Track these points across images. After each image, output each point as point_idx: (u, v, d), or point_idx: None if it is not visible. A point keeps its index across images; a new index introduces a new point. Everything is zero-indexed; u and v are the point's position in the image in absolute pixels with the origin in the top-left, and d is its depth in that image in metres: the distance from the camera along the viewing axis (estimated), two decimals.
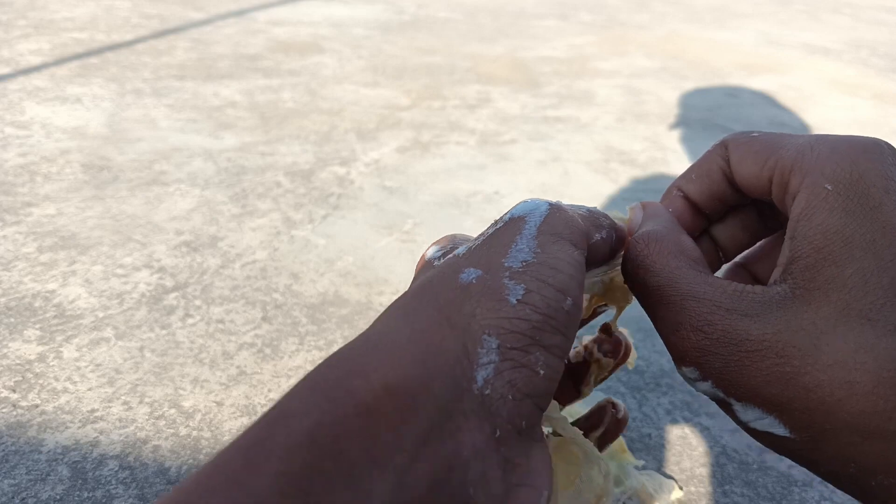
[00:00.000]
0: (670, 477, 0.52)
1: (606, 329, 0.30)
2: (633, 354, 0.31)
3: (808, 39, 2.07)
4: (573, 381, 0.30)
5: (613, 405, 0.31)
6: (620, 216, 0.26)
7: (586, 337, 0.30)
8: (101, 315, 0.66)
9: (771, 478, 0.52)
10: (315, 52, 1.59)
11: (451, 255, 0.22)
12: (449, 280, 0.20)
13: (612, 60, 1.71)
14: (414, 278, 0.23)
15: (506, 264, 0.20)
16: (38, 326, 0.64)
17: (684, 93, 1.49)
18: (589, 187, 1.01)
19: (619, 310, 0.27)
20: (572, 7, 2.34)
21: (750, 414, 0.20)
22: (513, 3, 2.37)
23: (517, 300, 0.19)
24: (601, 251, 0.24)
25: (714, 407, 0.58)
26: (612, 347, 0.30)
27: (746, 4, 2.62)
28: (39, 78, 1.28)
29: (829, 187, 0.20)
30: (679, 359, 0.22)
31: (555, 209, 0.22)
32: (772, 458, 0.54)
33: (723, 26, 2.21)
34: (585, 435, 0.28)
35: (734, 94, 1.50)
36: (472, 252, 0.21)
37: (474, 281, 0.19)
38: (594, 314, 0.29)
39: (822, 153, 0.21)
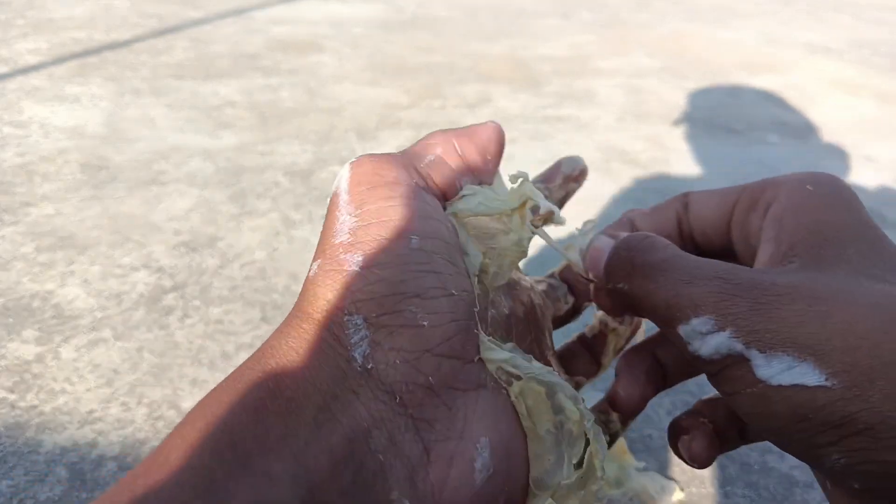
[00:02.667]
0: (671, 478, 0.52)
1: (556, 275, 0.30)
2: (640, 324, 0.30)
3: (810, 39, 2.07)
4: (592, 354, 0.30)
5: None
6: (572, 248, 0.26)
7: (596, 315, 0.30)
8: (99, 315, 0.66)
9: (773, 479, 0.52)
10: (314, 51, 1.59)
11: None
12: (305, 280, 0.20)
13: (612, 60, 1.71)
14: None
15: (336, 241, 0.20)
16: (36, 327, 0.63)
17: (685, 92, 1.48)
18: (590, 187, 1.01)
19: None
20: (573, 6, 2.34)
21: (776, 365, 0.18)
22: (513, 2, 2.37)
23: (359, 268, 0.19)
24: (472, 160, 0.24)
25: None
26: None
27: (748, 4, 2.62)
28: (38, 77, 1.28)
29: (810, 188, 0.22)
30: (690, 309, 0.19)
31: (356, 164, 0.21)
32: (773, 459, 0.54)
33: (724, 25, 2.20)
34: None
35: (735, 94, 1.50)
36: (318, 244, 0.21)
37: (316, 271, 0.20)
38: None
39: (792, 175, 0.23)
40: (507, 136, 1.17)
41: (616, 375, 0.26)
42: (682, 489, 0.51)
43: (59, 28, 1.60)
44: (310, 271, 0.20)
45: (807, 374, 0.17)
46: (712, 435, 0.24)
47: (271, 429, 0.16)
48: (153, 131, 1.09)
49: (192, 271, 0.74)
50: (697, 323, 0.19)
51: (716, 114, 1.36)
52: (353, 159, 0.22)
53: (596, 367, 0.30)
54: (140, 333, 0.64)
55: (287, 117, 1.18)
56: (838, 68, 1.74)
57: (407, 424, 0.18)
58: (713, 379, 0.20)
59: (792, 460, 0.54)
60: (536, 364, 0.22)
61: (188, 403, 0.56)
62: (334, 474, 0.16)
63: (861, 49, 1.96)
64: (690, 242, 0.26)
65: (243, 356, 0.62)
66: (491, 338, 0.21)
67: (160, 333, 0.64)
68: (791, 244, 0.20)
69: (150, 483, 0.15)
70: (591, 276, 0.24)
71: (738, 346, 0.18)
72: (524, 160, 1.09)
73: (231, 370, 0.66)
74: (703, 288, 0.19)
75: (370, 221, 0.20)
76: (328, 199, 0.22)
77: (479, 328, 0.21)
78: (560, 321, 0.30)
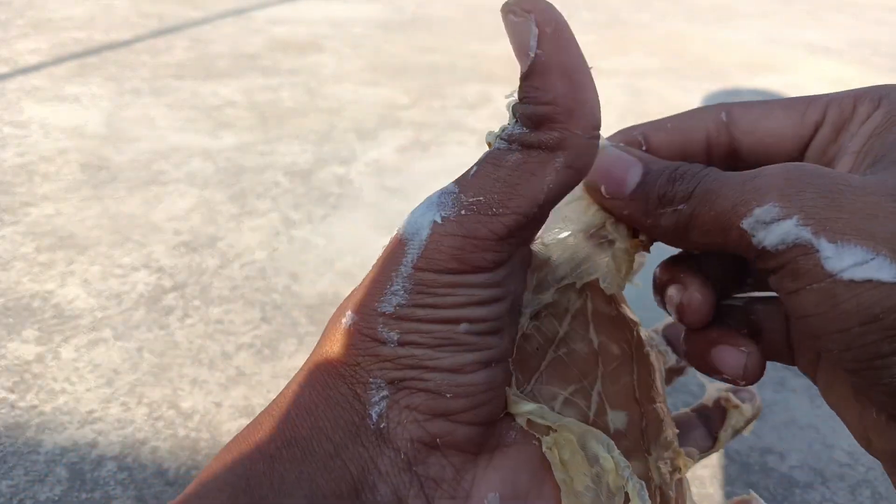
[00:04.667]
0: None
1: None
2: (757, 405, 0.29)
3: (810, 39, 2.07)
4: (707, 427, 0.28)
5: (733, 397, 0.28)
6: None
7: (717, 387, 0.28)
8: (99, 315, 0.66)
9: (773, 479, 0.52)
10: (314, 51, 1.59)
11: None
12: (335, 323, 0.20)
13: (613, 59, 1.71)
14: None
15: (379, 309, 0.19)
16: (36, 327, 0.63)
17: (686, 92, 1.48)
18: None
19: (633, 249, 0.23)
20: (573, 6, 2.34)
21: (846, 258, 0.16)
22: None
23: (394, 345, 0.19)
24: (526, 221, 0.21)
25: None
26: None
27: (748, 4, 2.62)
28: (38, 77, 1.28)
29: None
30: (755, 199, 0.18)
31: (437, 232, 0.19)
32: (773, 459, 0.54)
33: (724, 25, 2.20)
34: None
35: (736, 94, 1.50)
36: (358, 288, 0.20)
37: (351, 327, 0.19)
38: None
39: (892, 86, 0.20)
40: None
41: (661, 287, 0.23)
42: None
43: (58, 28, 1.60)
44: (342, 318, 0.20)
45: (882, 269, 0.16)
46: (706, 285, 0.22)
47: (286, 475, 0.17)
48: (153, 131, 1.09)
49: (192, 271, 0.74)
50: (761, 212, 0.18)
51: None
52: (443, 216, 0.19)
53: (710, 441, 0.28)
54: (140, 333, 0.64)
55: (287, 117, 1.18)
56: (838, 68, 1.74)
57: (412, 481, 0.18)
58: (775, 278, 0.18)
59: (792, 461, 0.54)
60: (570, 420, 0.21)
61: (188, 403, 0.56)
62: None
63: (861, 49, 1.96)
64: (727, 165, 0.22)
65: (243, 356, 0.62)
66: (519, 392, 0.21)
67: (160, 333, 0.64)
68: (876, 157, 0.18)
69: None
70: (605, 191, 0.22)
71: (806, 235, 0.17)
72: None
73: (231, 370, 0.66)
74: (769, 179, 0.18)
75: (420, 304, 0.19)
76: (389, 238, 0.20)
77: (513, 382, 0.21)
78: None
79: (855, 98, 0.20)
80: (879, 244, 0.16)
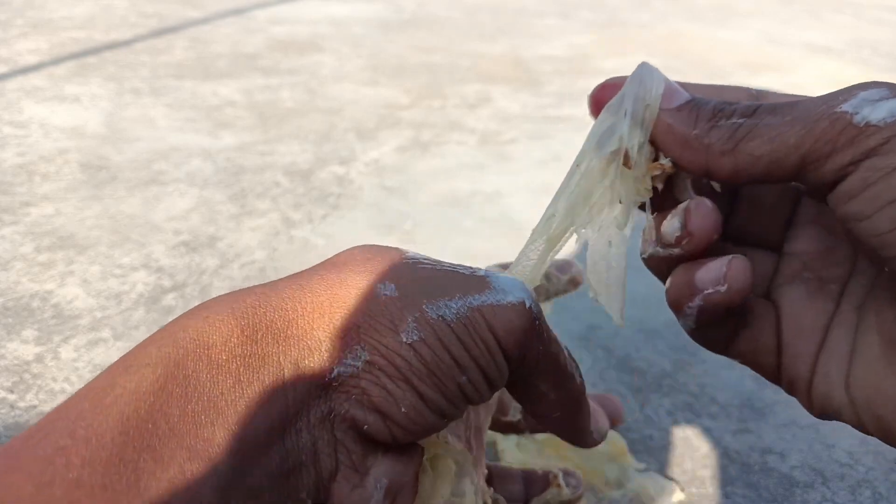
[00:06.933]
0: (671, 479, 0.52)
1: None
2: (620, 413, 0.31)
3: (810, 38, 2.07)
4: (526, 489, 0.31)
5: (565, 476, 0.32)
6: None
7: (552, 465, 0.31)
8: (98, 315, 0.66)
9: (773, 479, 0.52)
10: (314, 50, 1.59)
11: (409, 256, 0.23)
12: (368, 282, 0.21)
13: (613, 59, 1.71)
14: None
15: (424, 307, 0.20)
16: (35, 327, 0.63)
17: None
18: None
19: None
20: (573, 5, 2.34)
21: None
22: (513, 2, 2.37)
23: (406, 343, 0.20)
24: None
25: (716, 408, 0.58)
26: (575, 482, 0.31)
27: (748, 3, 2.61)
28: (37, 77, 1.28)
29: None
30: (858, 87, 0.18)
31: (519, 306, 0.21)
32: (774, 459, 0.54)
33: (724, 25, 2.20)
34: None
35: None
36: (418, 269, 0.21)
37: (384, 297, 0.20)
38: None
39: None
40: (507, 136, 1.17)
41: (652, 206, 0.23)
42: (682, 490, 0.51)
43: (58, 28, 1.59)
44: (381, 284, 0.21)
45: None
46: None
47: (233, 369, 0.19)
48: (153, 131, 1.09)
49: (191, 271, 0.73)
50: (867, 94, 0.18)
51: None
52: (529, 302, 0.21)
53: (522, 502, 0.31)
54: (140, 333, 0.64)
55: (287, 117, 1.18)
56: (839, 68, 1.74)
57: (331, 441, 0.20)
58: (869, 161, 0.18)
59: (793, 461, 0.54)
60: (453, 442, 0.24)
61: None
62: (267, 451, 0.18)
63: (861, 49, 1.96)
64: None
65: None
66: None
67: None
68: None
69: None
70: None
71: None
72: (524, 160, 1.09)
73: None
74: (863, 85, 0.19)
75: (456, 331, 0.20)
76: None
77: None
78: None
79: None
80: None
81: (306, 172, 0.98)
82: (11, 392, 0.56)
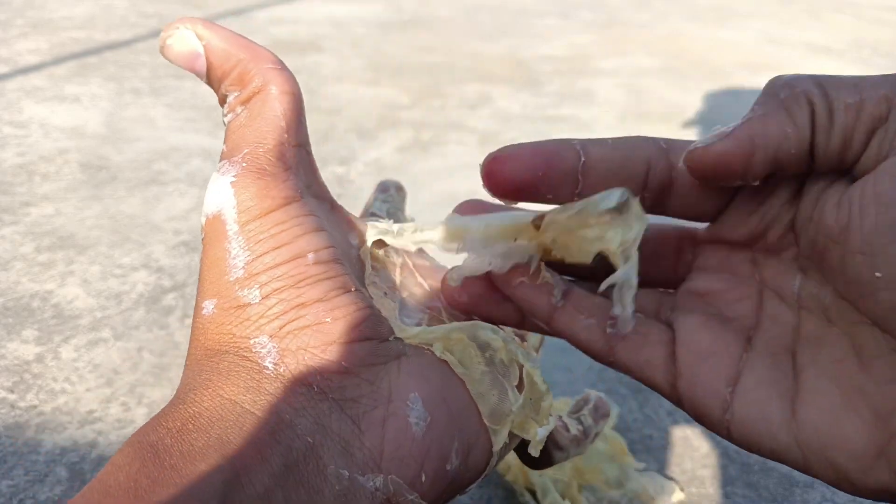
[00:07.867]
0: (671, 479, 0.52)
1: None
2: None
3: (810, 39, 2.07)
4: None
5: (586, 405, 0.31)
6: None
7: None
8: (99, 315, 0.66)
9: (773, 479, 0.52)
10: (314, 50, 1.59)
11: None
12: (198, 317, 0.21)
13: (613, 59, 1.71)
14: None
15: (231, 279, 0.21)
16: (35, 327, 0.63)
17: (686, 92, 1.48)
18: None
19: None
20: (573, 5, 2.34)
21: None
22: (513, 2, 2.37)
23: (258, 301, 0.20)
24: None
25: None
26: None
27: (748, 3, 2.61)
28: (37, 77, 1.28)
29: None
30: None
31: (239, 187, 0.21)
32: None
33: (724, 25, 2.20)
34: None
35: (736, 94, 1.50)
36: (201, 281, 0.22)
37: (214, 311, 0.21)
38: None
39: None
40: (507, 136, 1.17)
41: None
42: (682, 489, 0.51)
43: (58, 28, 1.60)
44: (203, 310, 0.21)
45: None
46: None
47: (194, 441, 0.18)
48: (153, 131, 1.09)
49: (192, 271, 0.74)
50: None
51: (716, 113, 1.36)
52: (232, 178, 0.21)
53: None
54: (140, 333, 0.64)
55: None
56: (839, 68, 1.74)
57: (331, 407, 0.19)
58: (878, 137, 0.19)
59: None
60: (454, 324, 0.23)
61: None
62: (263, 459, 0.18)
63: (861, 49, 1.96)
64: (663, 190, 0.22)
65: None
66: (403, 319, 0.23)
67: (160, 333, 0.64)
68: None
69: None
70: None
71: None
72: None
73: None
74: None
75: (264, 251, 0.20)
76: (203, 219, 0.22)
77: (396, 314, 0.23)
78: None
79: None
80: None
81: None
82: (11, 392, 0.56)
